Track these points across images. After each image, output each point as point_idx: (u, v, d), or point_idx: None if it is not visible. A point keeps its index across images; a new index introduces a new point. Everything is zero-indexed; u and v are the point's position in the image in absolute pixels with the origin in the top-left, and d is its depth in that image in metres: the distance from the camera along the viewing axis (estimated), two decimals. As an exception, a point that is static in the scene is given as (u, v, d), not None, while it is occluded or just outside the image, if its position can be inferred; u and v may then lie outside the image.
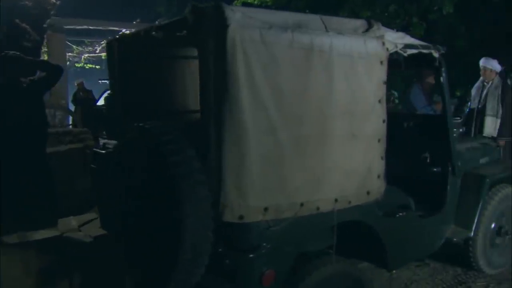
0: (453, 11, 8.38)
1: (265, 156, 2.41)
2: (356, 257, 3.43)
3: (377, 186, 2.95)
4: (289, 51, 2.44)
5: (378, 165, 2.94)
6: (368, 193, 2.89)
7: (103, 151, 3.28)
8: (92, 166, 3.42)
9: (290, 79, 2.46)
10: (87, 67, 18.81)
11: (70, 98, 12.96)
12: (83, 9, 13.65)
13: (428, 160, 3.87)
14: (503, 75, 9.40)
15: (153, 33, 2.96)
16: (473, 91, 6.22)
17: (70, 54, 17.06)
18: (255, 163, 2.37)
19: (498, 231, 4.32)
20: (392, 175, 4.02)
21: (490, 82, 6.00)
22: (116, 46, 3.48)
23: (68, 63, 16.55)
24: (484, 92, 6.03)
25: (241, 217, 2.38)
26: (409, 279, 4.30)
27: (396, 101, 10.29)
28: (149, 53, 3.37)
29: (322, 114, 2.60)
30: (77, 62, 18.28)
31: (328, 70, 2.59)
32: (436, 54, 3.46)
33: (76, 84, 12.57)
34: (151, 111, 3.30)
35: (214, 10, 2.31)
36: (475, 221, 4.00)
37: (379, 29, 2.89)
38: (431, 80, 6.17)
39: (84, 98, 12.11)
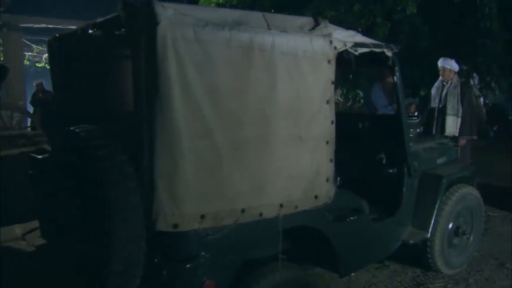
0: (417, 12, 8.42)
1: (201, 159, 2.27)
2: (310, 262, 3.34)
3: (326, 190, 2.84)
4: (227, 49, 2.31)
5: (327, 168, 2.83)
6: (316, 197, 2.78)
7: (39, 156, 3.09)
8: (29, 171, 3.22)
9: (228, 79, 2.33)
10: (48, 67, 18.12)
11: (29, 99, 12.48)
12: (43, 7, 13.21)
13: (383, 161, 3.80)
14: (465, 74, 9.52)
15: (89, 31, 2.80)
16: (433, 91, 6.23)
17: (30, 53, 16.53)
18: (190, 168, 2.23)
19: (456, 231, 4.30)
20: (348, 176, 3.94)
21: (450, 82, 6.02)
22: (56, 46, 3.30)
23: (28, 62, 16.04)
24: (444, 91, 6.04)
25: (175, 226, 2.23)
26: (368, 281, 4.23)
27: (362, 101, 10.31)
28: (89, 52, 3.19)
29: (264, 115, 2.47)
30: (38, 61, 17.69)
31: (270, 70, 2.47)
32: (389, 53, 3.38)
33: (35, 84, 12.01)
34: (92, 113, 3.12)
35: (144, 7, 2.16)
36: (432, 222, 3.95)
37: (327, 27, 2.79)
38: (392, 79, 6.15)
39: (44, 99, 11.61)
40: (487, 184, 7.33)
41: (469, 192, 4.32)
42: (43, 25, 13.60)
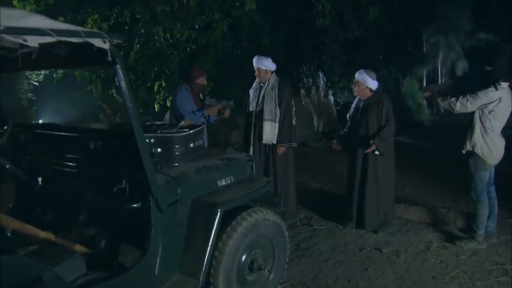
0: (257, 9, 7.80)
1: None
2: None
3: None
4: None
5: None
6: None
7: None
8: None
9: None
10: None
11: None
12: None
13: (126, 193, 2.79)
14: (311, 73, 9.04)
15: None
16: (251, 93, 5.37)
17: None
18: None
19: (250, 267, 3.44)
20: (88, 216, 2.91)
21: (266, 83, 5.21)
22: None
23: None
24: (261, 94, 5.23)
25: None
26: None
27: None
28: None
29: None
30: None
31: None
32: (104, 46, 2.34)
33: None
34: None
35: None
36: (204, 264, 3.04)
37: None
38: (202, 81, 5.26)
39: None
40: (320, 190, 6.80)
41: (265, 218, 3.47)
42: None
